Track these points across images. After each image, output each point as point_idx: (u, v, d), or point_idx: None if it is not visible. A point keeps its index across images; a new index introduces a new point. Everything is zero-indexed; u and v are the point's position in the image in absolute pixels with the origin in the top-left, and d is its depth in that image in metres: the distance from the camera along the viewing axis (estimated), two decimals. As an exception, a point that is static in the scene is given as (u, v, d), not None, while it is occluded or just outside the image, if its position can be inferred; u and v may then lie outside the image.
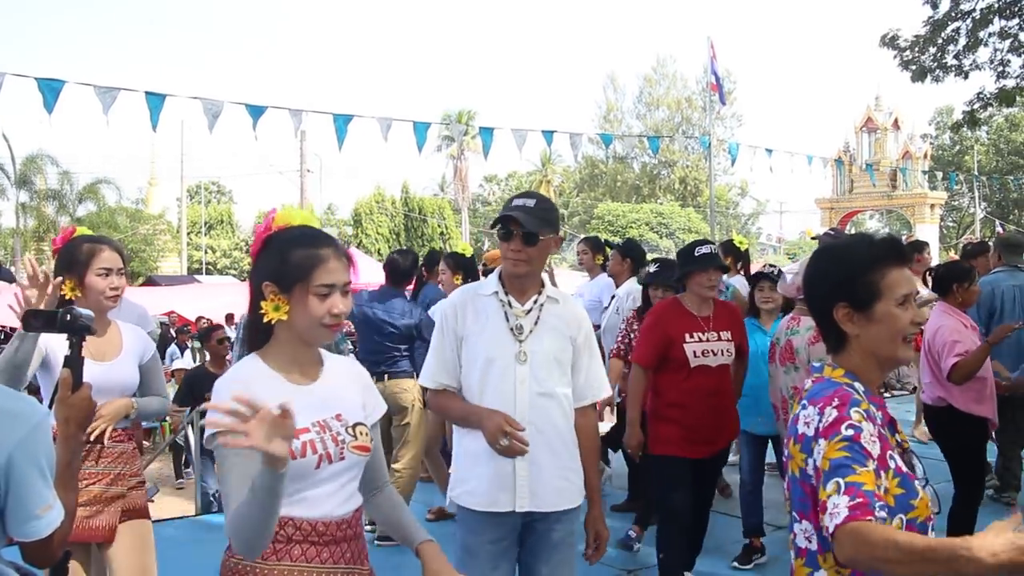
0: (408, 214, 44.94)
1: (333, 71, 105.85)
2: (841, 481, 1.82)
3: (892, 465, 1.92)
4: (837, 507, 1.79)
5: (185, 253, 37.72)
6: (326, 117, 9.91)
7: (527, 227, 2.96)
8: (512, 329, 3.01)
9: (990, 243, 7.70)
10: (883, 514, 1.79)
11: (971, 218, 46.47)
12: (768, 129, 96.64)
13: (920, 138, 40.07)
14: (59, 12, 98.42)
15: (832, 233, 7.53)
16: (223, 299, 20.65)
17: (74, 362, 2.17)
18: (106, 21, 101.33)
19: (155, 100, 8.51)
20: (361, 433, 2.23)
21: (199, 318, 18.04)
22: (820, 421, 1.93)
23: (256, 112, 9.28)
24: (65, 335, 2.20)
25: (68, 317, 2.17)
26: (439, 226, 44.67)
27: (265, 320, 2.13)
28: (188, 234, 39.97)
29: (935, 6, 13.49)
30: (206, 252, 43.54)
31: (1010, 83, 13.50)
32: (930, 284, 5.24)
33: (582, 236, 7.48)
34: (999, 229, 36.10)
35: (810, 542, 2.00)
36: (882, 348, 2.04)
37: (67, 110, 9.23)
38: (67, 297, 3.20)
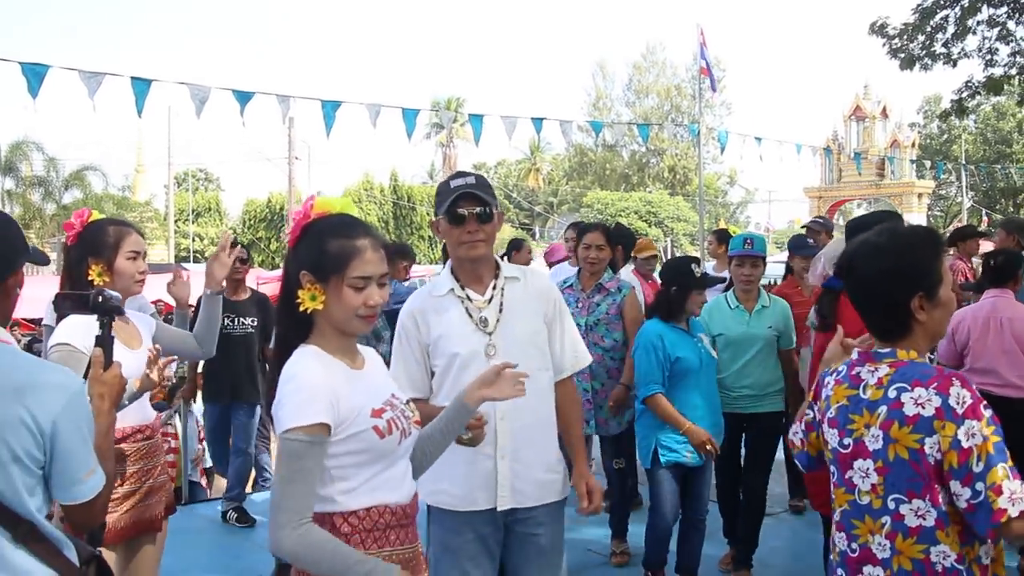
0: (397, 202, 44.81)
1: (321, 57, 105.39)
2: (1006, 466, 1.96)
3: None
4: (1015, 493, 1.94)
5: (172, 241, 37.48)
6: (314, 103, 9.83)
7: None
8: (477, 324, 2.88)
9: (980, 229, 7.70)
10: None
11: (958, 207, 46.65)
12: (757, 118, 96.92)
13: (908, 127, 40.16)
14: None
15: (820, 221, 7.55)
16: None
17: (105, 342, 2.35)
18: (92, 4, 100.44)
19: (141, 85, 8.41)
20: (414, 409, 2.33)
21: (188, 305, 17.92)
22: (948, 402, 2.01)
23: (243, 98, 9.19)
24: (95, 316, 2.37)
25: (100, 298, 2.38)
26: (428, 214, 44.55)
27: (301, 309, 2.13)
28: (175, 222, 39.73)
29: (924, -7, 13.48)
30: (193, 240, 43.33)
31: (998, 71, 13.53)
32: (981, 271, 5.27)
33: (569, 222, 7.47)
34: (985, 218, 36.26)
35: (924, 519, 2.06)
36: (941, 328, 2.23)
37: (52, 95, 9.17)
38: (94, 282, 3.11)
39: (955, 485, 1.99)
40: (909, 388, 2.07)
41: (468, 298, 2.91)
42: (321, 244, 2.14)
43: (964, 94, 14.04)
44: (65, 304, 2.55)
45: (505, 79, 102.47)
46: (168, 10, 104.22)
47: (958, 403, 2.00)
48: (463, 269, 2.95)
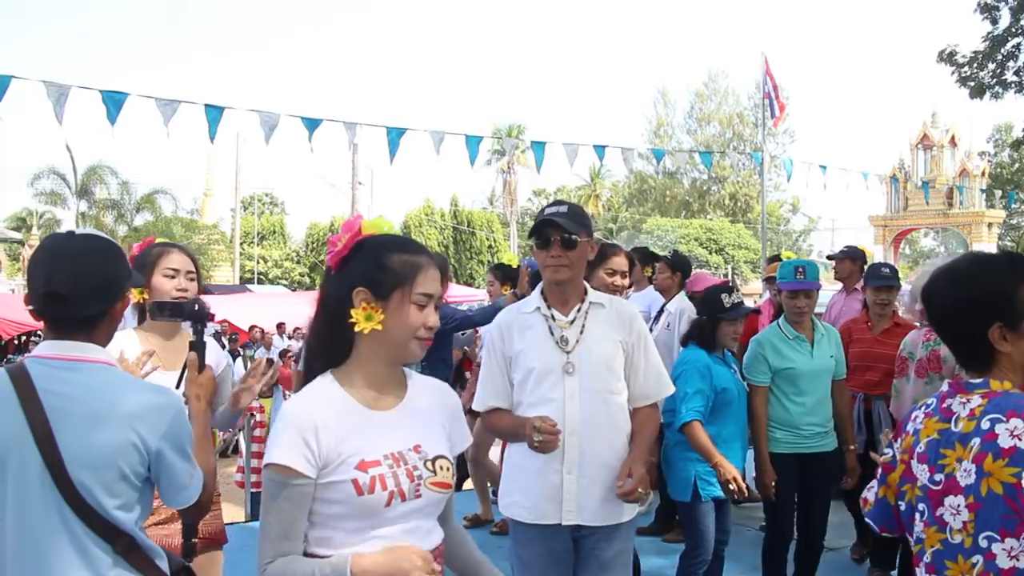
0: (457, 227, 45.17)
1: (386, 84, 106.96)
2: None
3: None
4: None
5: (238, 263, 38.29)
6: (379, 130, 10.03)
7: (567, 230, 2.97)
8: (557, 341, 3.01)
9: None
10: None
11: (1030, 237, 45.38)
12: (821, 145, 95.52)
13: (978, 155, 39.29)
14: (123, 25, 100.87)
15: (847, 250, 7.30)
16: (274, 308, 20.99)
17: (199, 346, 2.57)
18: (168, 36, 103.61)
19: (214, 112, 8.68)
20: (442, 468, 2.04)
21: (251, 327, 18.31)
22: None
23: (312, 124, 9.40)
24: (190, 323, 2.61)
25: (196, 307, 2.63)
26: (487, 239, 44.82)
27: (357, 329, 1.96)
28: (241, 244, 40.57)
29: (995, 21, 13.28)
30: (258, 262, 44.16)
31: (1072, 100, 13.21)
32: None
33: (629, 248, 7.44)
34: (1059, 249, 35.23)
35: (1017, 560, 1.97)
36: None
37: (129, 122, 9.47)
38: (135, 301, 3.21)
39: None
40: (1004, 419, 1.96)
41: (552, 317, 3.05)
42: (381, 259, 1.99)
43: (1036, 123, 13.72)
44: (163, 311, 2.76)
45: (566, 106, 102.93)
46: (241, 43, 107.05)
47: None
48: (551, 290, 3.09)
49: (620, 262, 4.43)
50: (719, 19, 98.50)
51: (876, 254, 34.56)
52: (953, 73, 13.65)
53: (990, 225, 34.14)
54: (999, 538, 1.97)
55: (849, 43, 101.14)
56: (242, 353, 15.63)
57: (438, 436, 2.10)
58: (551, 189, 59.50)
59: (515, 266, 6.66)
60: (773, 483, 4.35)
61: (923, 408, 2.21)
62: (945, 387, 2.18)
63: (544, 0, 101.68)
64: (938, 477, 2.08)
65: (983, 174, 34.65)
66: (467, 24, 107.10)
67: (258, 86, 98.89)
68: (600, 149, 11.77)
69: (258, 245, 45.56)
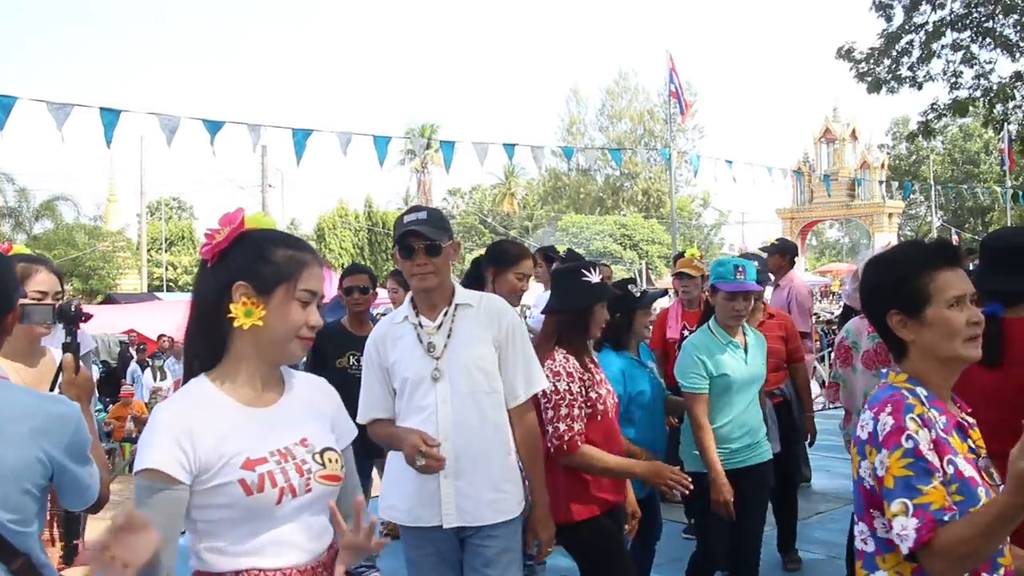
0: (372, 228, 44.76)
1: (294, 86, 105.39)
2: (909, 503, 1.85)
3: (950, 471, 1.92)
4: (906, 529, 1.84)
5: (145, 270, 37.19)
6: (285, 132, 9.84)
7: (429, 237, 2.97)
8: (426, 349, 3.01)
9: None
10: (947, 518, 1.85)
11: (928, 226, 47.22)
12: (730, 141, 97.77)
13: (877, 148, 40.77)
14: (9, 26, 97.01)
15: (777, 243, 7.46)
16: (184, 316, 20.34)
17: (73, 347, 2.60)
18: (61, 35, 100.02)
19: (110, 116, 8.38)
20: (330, 460, 1.96)
21: (160, 336, 17.77)
22: (876, 427, 1.95)
23: (214, 127, 9.17)
24: (62, 324, 2.61)
25: (71, 309, 2.64)
26: (403, 240, 44.46)
27: (236, 324, 1.86)
28: (148, 251, 39.44)
29: (889, 19, 13.72)
30: (167, 269, 43.02)
31: (963, 94, 13.75)
32: None
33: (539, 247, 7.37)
34: (955, 237, 36.74)
35: (866, 544, 2.03)
36: (940, 350, 2.02)
37: (21, 127, 9.09)
38: None
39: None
40: (866, 410, 2.03)
41: (420, 324, 3.04)
42: (264, 252, 1.89)
43: (930, 116, 14.26)
44: (33, 314, 2.71)
45: (481, 105, 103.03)
46: (139, 41, 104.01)
47: (881, 430, 1.94)
48: (419, 298, 3.09)
49: (530, 265, 4.31)
50: (628, 18, 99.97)
51: (784, 246, 35.47)
52: (851, 69, 14.05)
53: (890, 215, 35.46)
54: (856, 520, 2.08)
55: (754, 41, 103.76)
56: (151, 364, 15.08)
57: (323, 428, 2.02)
58: (466, 188, 59.57)
59: None
60: (730, 501, 3.95)
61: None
62: None
63: (457, 1, 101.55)
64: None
65: (882, 166, 35.96)
66: (378, 24, 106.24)
67: (160, 88, 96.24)
68: (510, 147, 11.78)
69: (166, 251, 44.38)
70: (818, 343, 13.48)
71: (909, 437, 1.89)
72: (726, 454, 4.08)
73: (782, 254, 7.17)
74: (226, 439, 1.84)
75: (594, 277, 3.61)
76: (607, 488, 3.57)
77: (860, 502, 2.04)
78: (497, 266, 4.20)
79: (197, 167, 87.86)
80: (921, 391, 2.01)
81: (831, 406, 7.93)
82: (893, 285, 2.06)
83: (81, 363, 2.60)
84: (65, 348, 2.60)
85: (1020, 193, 27.54)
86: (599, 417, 3.51)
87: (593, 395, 3.51)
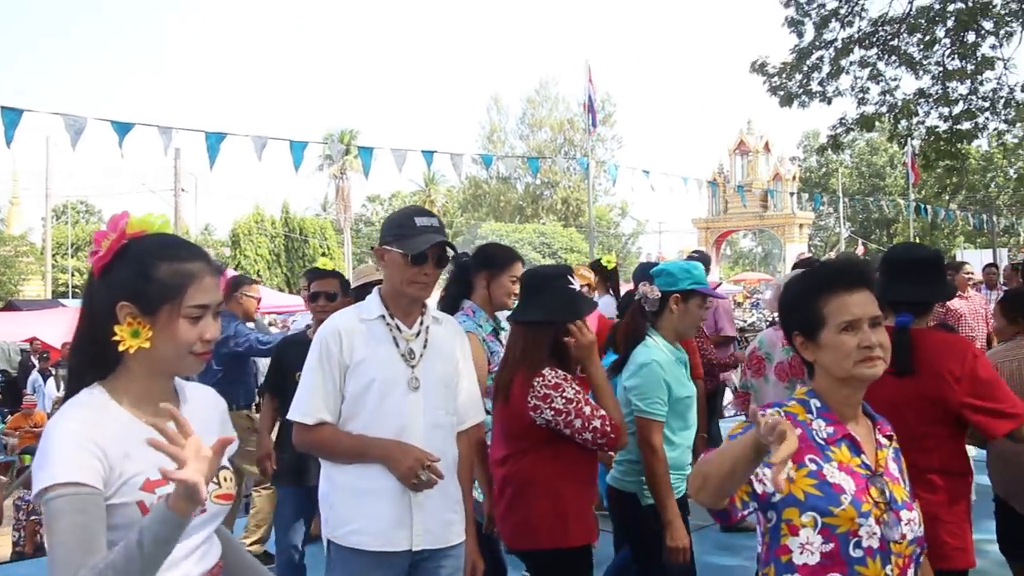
0: (288, 235, 44.09)
1: (209, 88, 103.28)
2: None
3: (811, 467, 1.99)
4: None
5: (49, 276, 35.88)
6: (199, 135, 9.60)
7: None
8: (404, 355, 2.82)
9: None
10: None
11: (836, 237, 48.72)
12: (648, 151, 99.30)
13: (789, 161, 41.87)
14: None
15: (695, 254, 7.58)
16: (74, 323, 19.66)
17: None
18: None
19: (11, 115, 8.06)
20: (225, 479, 1.89)
21: (64, 344, 17.15)
22: None
23: (123, 129, 8.88)
24: None
25: None
26: (320, 247, 43.98)
27: (121, 348, 1.75)
28: (53, 256, 38.09)
29: (800, 35, 14.08)
30: (73, 275, 41.61)
31: (870, 109, 14.19)
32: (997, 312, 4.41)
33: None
34: (861, 247, 38.00)
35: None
36: (836, 371, 2.08)
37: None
38: None
39: None
40: None
41: (398, 328, 2.85)
42: (146, 268, 1.76)
43: (839, 130, 14.69)
44: None
45: (402, 112, 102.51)
46: (48, 37, 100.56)
47: None
48: (398, 302, 2.88)
49: (520, 268, 4.07)
50: (550, 28, 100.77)
51: (699, 255, 36.21)
52: (765, 83, 14.37)
53: (801, 226, 36.44)
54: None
55: (672, 53, 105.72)
56: (54, 373, 14.54)
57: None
58: (385, 195, 59.16)
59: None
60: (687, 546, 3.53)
61: None
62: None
63: (377, 7, 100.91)
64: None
65: (794, 178, 36.93)
66: (298, 28, 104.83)
67: (67, 88, 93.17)
68: (429, 155, 11.74)
69: (72, 257, 42.92)
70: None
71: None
72: (680, 483, 3.62)
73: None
74: (128, 457, 1.73)
75: (576, 284, 3.36)
76: (589, 513, 3.31)
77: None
78: (491, 270, 4.04)
79: (107, 170, 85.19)
80: (815, 403, 2.09)
81: (739, 414, 8.10)
82: (792, 308, 2.17)
83: None
84: None
85: (923, 206, 28.63)
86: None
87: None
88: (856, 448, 2.08)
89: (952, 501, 2.84)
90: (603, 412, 3.14)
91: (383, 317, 2.85)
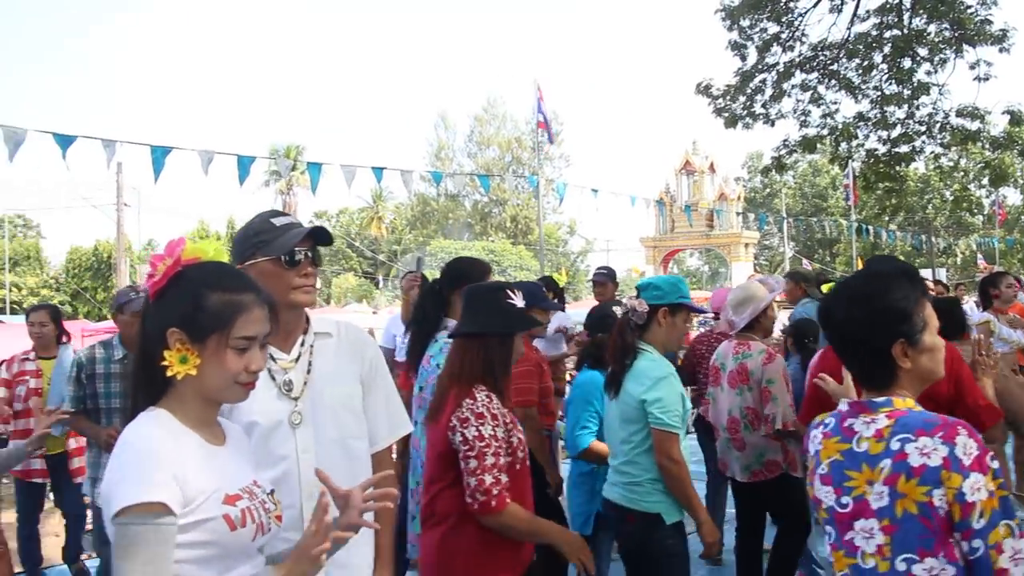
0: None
1: (153, 101, 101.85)
2: (1012, 524, 1.87)
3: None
4: (1018, 553, 1.86)
5: (-13, 291, 34.98)
6: (143, 148, 9.46)
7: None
8: (280, 387, 2.44)
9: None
10: None
11: (781, 256, 49.55)
12: (596, 170, 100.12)
13: (734, 181, 42.57)
14: None
15: (605, 271, 7.73)
16: (29, 341, 19.23)
17: None
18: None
19: (-54, 126, 7.87)
20: (277, 502, 1.95)
21: (2, 362, 16.71)
22: (955, 451, 1.90)
23: (65, 142, 8.71)
24: None
25: None
26: (267, 263, 43.49)
27: (169, 373, 1.80)
28: (-10, 271, 37.12)
29: (744, 58, 14.39)
30: (10, 290, 40.59)
31: (811, 131, 14.53)
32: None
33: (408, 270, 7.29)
34: (805, 266, 38.70)
35: None
36: (931, 374, 2.11)
37: None
38: None
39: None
40: (913, 438, 1.95)
41: (271, 357, 2.44)
42: (198, 298, 1.82)
43: (782, 152, 15.02)
44: None
45: (348, 128, 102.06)
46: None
47: (964, 454, 1.89)
48: (273, 324, 2.55)
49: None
50: (497, 46, 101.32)
51: (648, 273, 36.58)
52: (709, 104, 14.65)
53: (747, 245, 36.99)
54: (918, 559, 1.94)
55: (619, 74, 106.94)
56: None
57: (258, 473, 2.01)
58: (333, 211, 58.75)
59: None
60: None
61: (820, 428, 2.18)
62: (844, 406, 2.14)
63: (323, 22, 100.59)
64: (845, 500, 2.05)
65: (739, 198, 37.52)
66: (245, 42, 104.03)
67: (5, 98, 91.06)
68: (378, 171, 11.71)
69: (9, 271, 41.88)
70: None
71: (992, 458, 1.92)
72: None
73: (613, 280, 7.62)
74: (202, 473, 1.77)
75: (519, 300, 3.19)
76: (524, 551, 3.11)
77: (926, 536, 1.94)
78: (471, 283, 3.73)
79: (46, 183, 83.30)
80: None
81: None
82: (902, 314, 2.09)
83: None
84: None
85: (863, 226, 29.29)
86: (517, 466, 3.05)
87: (514, 440, 3.04)
88: None
89: None
90: (502, 476, 2.92)
91: None
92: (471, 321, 3.17)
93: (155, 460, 1.70)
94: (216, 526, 1.75)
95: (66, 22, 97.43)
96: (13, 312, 35.84)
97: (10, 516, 7.41)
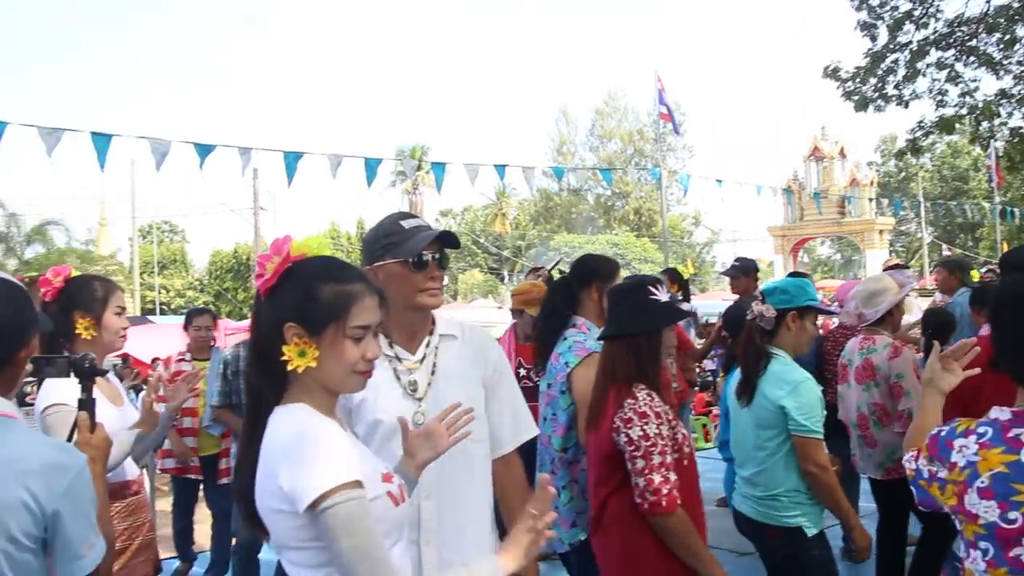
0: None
1: (285, 109, 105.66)
2: None
3: None
4: None
5: (138, 294, 37.15)
6: (276, 154, 9.88)
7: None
8: (405, 387, 2.49)
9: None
10: None
11: (919, 243, 47.44)
12: (721, 160, 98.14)
13: (867, 166, 41.04)
14: (3, 53, 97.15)
15: (738, 265, 7.40)
16: (178, 340, 20.23)
17: (89, 404, 2.43)
18: (54, 62, 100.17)
19: (101, 141, 8.40)
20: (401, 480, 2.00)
21: (154, 359, 17.67)
22: None
23: (204, 151, 9.18)
24: (78, 379, 2.42)
25: (86, 363, 2.44)
26: (396, 261, 44.57)
27: (290, 368, 1.81)
28: (140, 274, 39.41)
29: (874, 39, 13.84)
30: (159, 292, 42.96)
31: (949, 112, 13.87)
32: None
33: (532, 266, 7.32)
34: (946, 252, 36.96)
35: None
36: None
37: (12, 152, 9.10)
38: (80, 335, 3.10)
39: None
40: None
41: (397, 357, 2.52)
42: (311, 291, 1.83)
43: (917, 134, 14.38)
44: (48, 369, 2.52)
45: (471, 126, 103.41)
46: (130, 64, 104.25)
47: None
48: (400, 325, 2.55)
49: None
50: (617, 38, 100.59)
51: (776, 263, 35.68)
52: (838, 88, 14.15)
53: (881, 232, 35.57)
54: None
55: (742, 60, 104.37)
56: (144, 387, 14.96)
57: None
58: (458, 208, 59.68)
59: None
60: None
61: (974, 437, 2.01)
62: (1005, 415, 1.99)
63: (443, 23, 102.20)
64: (1013, 515, 1.91)
65: (872, 183, 36.10)
66: (370, 47, 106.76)
67: (150, 112, 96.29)
68: (501, 168, 11.85)
69: (158, 275, 44.34)
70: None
71: None
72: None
73: (746, 274, 7.12)
74: (358, 455, 1.82)
75: (662, 295, 3.14)
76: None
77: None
78: (601, 281, 3.83)
79: (189, 190, 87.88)
80: None
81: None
82: None
83: (99, 422, 2.44)
84: (80, 405, 2.42)
85: (1008, 209, 27.75)
86: (685, 462, 3.03)
87: (678, 436, 3.01)
88: None
89: None
90: (670, 475, 2.90)
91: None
92: (617, 322, 3.17)
93: (331, 445, 1.74)
94: (383, 503, 1.81)
95: (204, 40, 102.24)
96: (163, 312, 37.97)
97: (163, 504, 7.94)
